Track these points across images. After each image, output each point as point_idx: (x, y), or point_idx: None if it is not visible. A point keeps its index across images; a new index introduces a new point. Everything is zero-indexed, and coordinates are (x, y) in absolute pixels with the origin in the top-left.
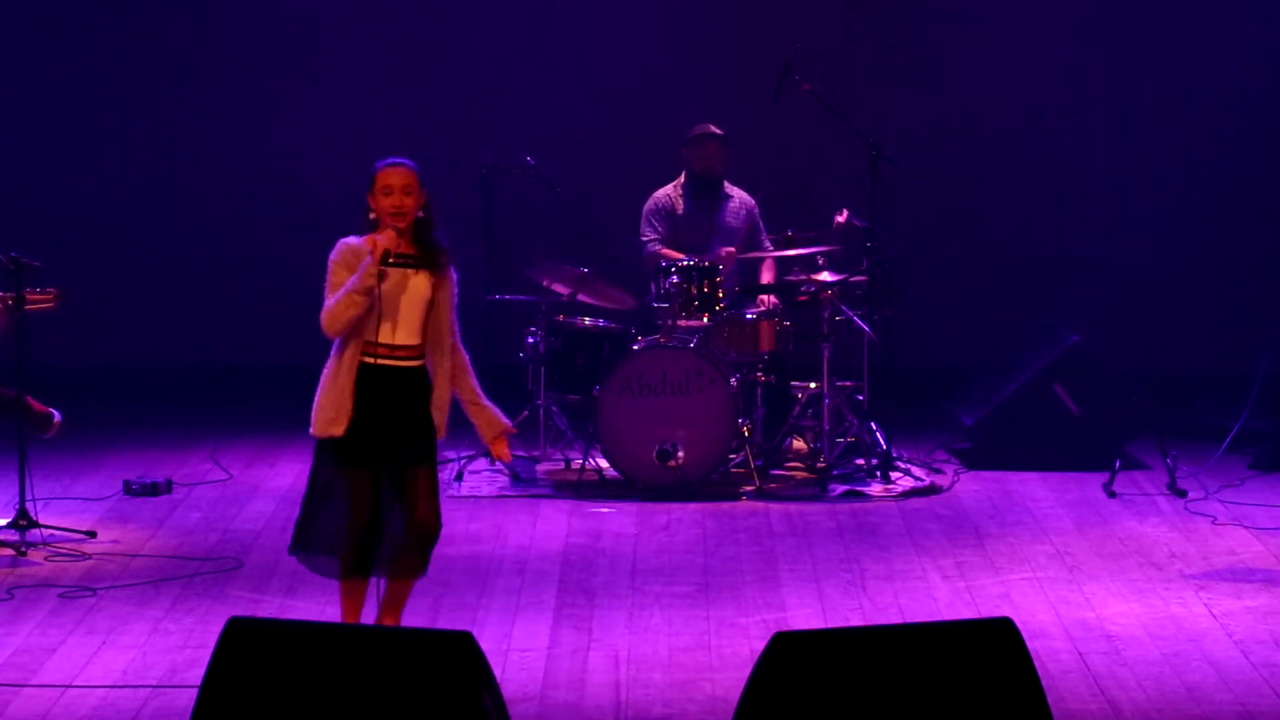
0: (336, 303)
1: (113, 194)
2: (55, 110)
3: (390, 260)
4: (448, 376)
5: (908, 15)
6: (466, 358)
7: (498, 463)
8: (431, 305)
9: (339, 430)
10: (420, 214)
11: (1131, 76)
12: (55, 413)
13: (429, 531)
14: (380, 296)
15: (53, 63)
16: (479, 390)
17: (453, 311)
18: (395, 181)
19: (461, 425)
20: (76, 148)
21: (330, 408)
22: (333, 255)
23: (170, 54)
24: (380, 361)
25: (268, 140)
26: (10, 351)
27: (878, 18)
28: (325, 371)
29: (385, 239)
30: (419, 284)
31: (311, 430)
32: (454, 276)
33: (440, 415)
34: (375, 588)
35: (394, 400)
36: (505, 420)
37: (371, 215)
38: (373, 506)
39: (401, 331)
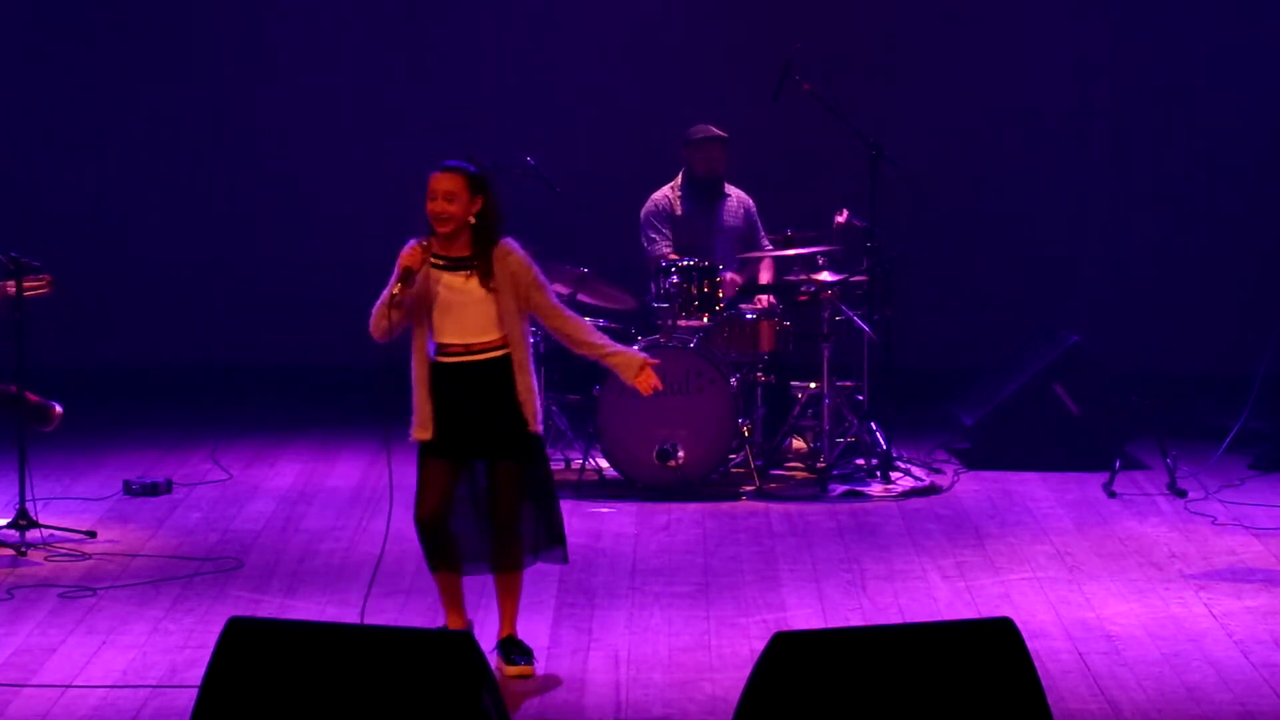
0: (375, 308)
1: (113, 194)
2: (55, 110)
3: (434, 264)
4: (526, 368)
5: (908, 15)
6: (575, 319)
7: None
8: (494, 302)
9: (426, 434)
10: (473, 220)
11: (1131, 76)
12: (55, 404)
13: (504, 528)
14: (438, 302)
15: (53, 63)
16: (603, 340)
17: (537, 293)
18: (438, 187)
19: None
20: (76, 148)
21: (417, 411)
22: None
23: (170, 54)
24: (453, 359)
25: (267, 140)
26: (10, 350)
27: (878, 18)
28: (412, 374)
29: (406, 257)
30: (474, 287)
31: (411, 433)
32: (521, 259)
33: (528, 406)
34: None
35: (472, 394)
36: (640, 354)
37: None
38: (445, 501)
39: (469, 330)
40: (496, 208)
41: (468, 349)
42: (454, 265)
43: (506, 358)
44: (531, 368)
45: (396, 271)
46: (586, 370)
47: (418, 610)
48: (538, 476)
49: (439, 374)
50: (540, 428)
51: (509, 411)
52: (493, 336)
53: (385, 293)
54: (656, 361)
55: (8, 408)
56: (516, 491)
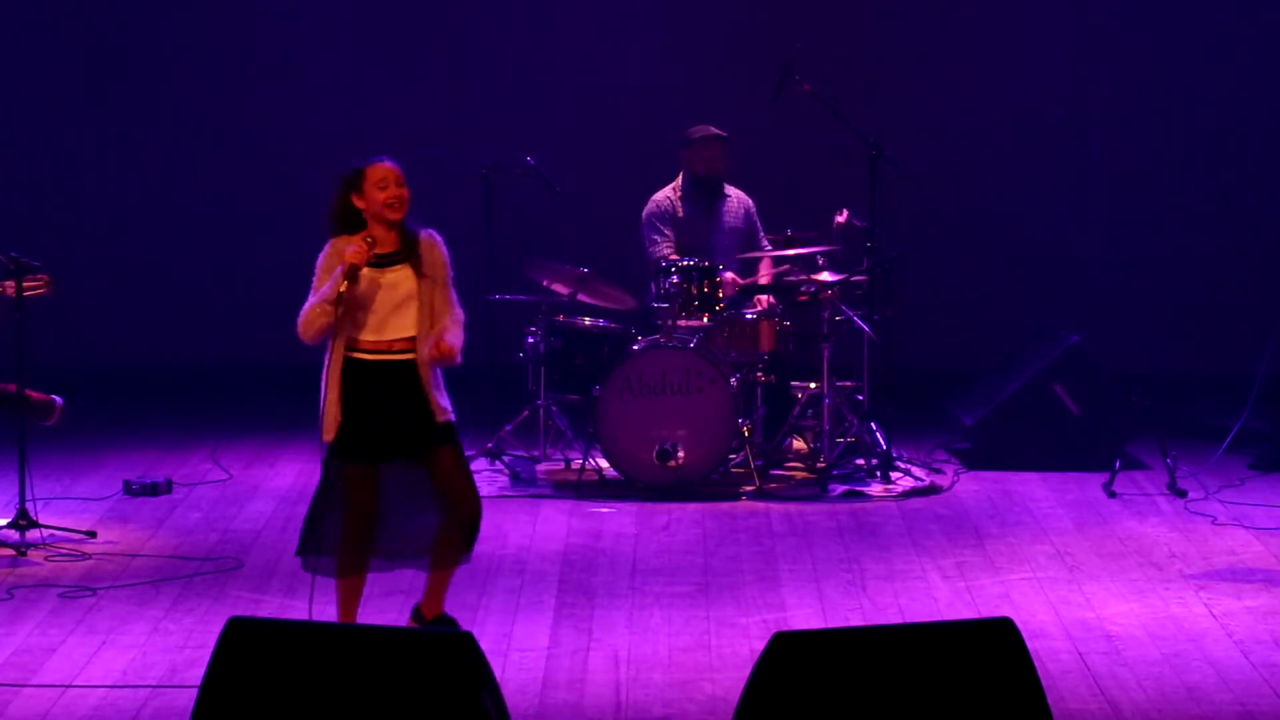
0: (309, 309)
1: (113, 194)
2: (55, 110)
3: (370, 262)
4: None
5: (908, 15)
6: (460, 314)
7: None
8: (418, 298)
9: (331, 435)
10: None
11: (1131, 76)
12: (56, 398)
13: (470, 512)
14: (364, 299)
15: (53, 63)
16: (448, 330)
17: (449, 290)
18: (390, 175)
19: (461, 426)
20: (76, 148)
21: (326, 412)
22: (320, 256)
23: (171, 55)
24: (368, 357)
25: (267, 140)
26: (10, 351)
27: (878, 18)
28: (322, 373)
29: (353, 253)
30: (402, 280)
31: (321, 433)
32: (444, 252)
33: (434, 401)
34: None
35: (388, 393)
36: (452, 341)
37: (360, 205)
38: (371, 501)
39: (389, 327)
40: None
41: (390, 345)
42: (384, 262)
43: (413, 362)
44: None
45: (343, 269)
46: (586, 370)
47: None
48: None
49: (352, 372)
50: (453, 417)
51: (424, 406)
52: (410, 334)
53: (329, 290)
54: (452, 351)
55: (8, 408)
56: (467, 470)
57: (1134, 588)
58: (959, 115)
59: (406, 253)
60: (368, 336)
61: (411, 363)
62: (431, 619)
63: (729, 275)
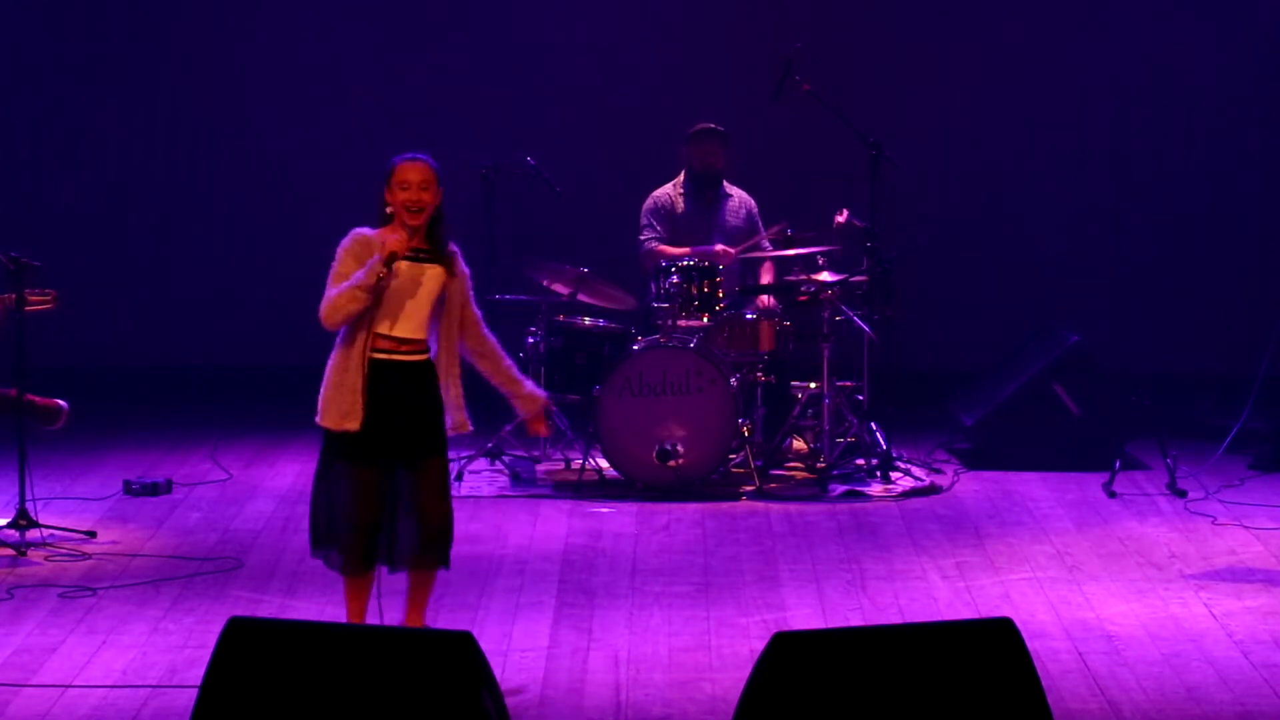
0: (339, 294)
1: (113, 194)
2: (55, 110)
3: (400, 257)
4: (456, 372)
5: (908, 15)
6: (495, 341)
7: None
8: (441, 301)
9: (354, 425)
10: (435, 211)
11: (1132, 77)
12: (62, 403)
13: (439, 528)
14: (386, 290)
15: (54, 63)
16: (514, 371)
17: (470, 304)
18: (413, 177)
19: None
20: (76, 148)
21: (343, 401)
22: (343, 243)
23: (170, 55)
24: (385, 356)
25: (267, 140)
26: (10, 352)
27: (878, 18)
28: (331, 362)
29: (396, 241)
30: (429, 279)
31: (320, 420)
32: (466, 270)
33: (457, 413)
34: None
35: (401, 396)
36: (542, 395)
37: (388, 210)
38: (379, 503)
39: (406, 325)
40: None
41: (399, 345)
42: (415, 257)
43: (429, 362)
44: (456, 382)
45: (382, 256)
46: (586, 370)
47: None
48: (446, 469)
49: (373, 369)
50: (469, 428)
51: (433, 412)
52: (425, 335)
53: (365, 276)
54: (553, 409)
55: (9, 411)
56: (447, 489)
57: (1134, 588)
58: (959, 115)
59: (437, 254)
60: (386, 331)
61: (423, 364)
62: None
63: (720, 246)
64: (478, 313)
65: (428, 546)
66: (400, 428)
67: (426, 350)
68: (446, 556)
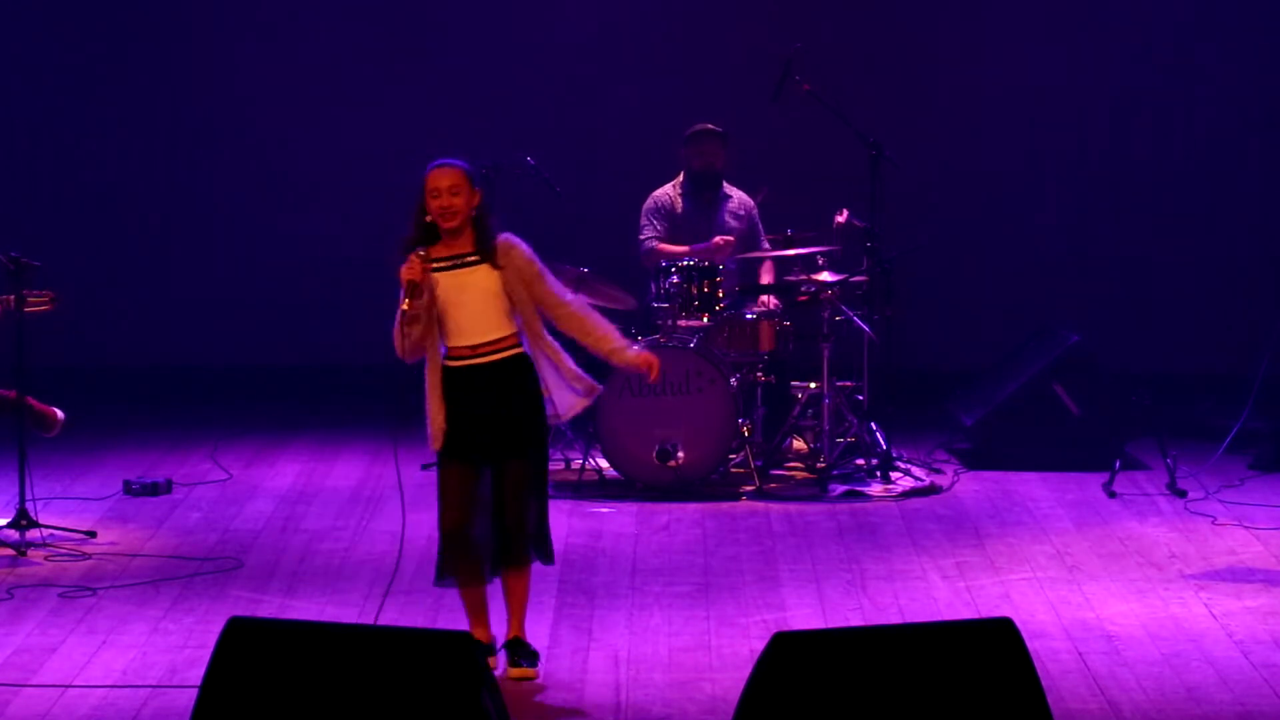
0: (394, 332)
1: (113, 194)
2: (56, 110)
3: (442, 265)
4: (550, 354)
5: (909, 15)
6: (581, 311)
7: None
8: (506, 294)
9: (438, 444)
10: (474, 211)
11: (1132, 76)
12: (59, 412)
13: (514, 525)
14: (444, 306)
15: (54, 63)
16: (612, 336)
17: (545, 281)
18: (441, 183)
19: None
20: (76, 148)
21: (430, 422)
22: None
23: (170, 55)
24: (464, 363)
25: (267, 140)
26: (10, 352)
27: (878, 17)
28: (425, 383)
29: (406, 270)
30: (482, 280)
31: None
32: (525, 253)
33: (564, 393)
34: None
35: (486, 396)
36: (645, 354)
37: (428, 219)
38: (467, 504)
39: (473, 332)
40: (489, 201)
41: (475, 350)
42: (460, 263)
43: (521, 356)
44: (561, 357)
45: (403, 289)
46: (586, 370)
47: (418, 610)
48: (539, 471)
49: (450, 379)
50: (562, 420)
51: (523, 410)
52: (506, 332)
53: (398, 314)
54: (657, 360)
55: (8, 413)
56: (525, 490)
57: (1134, 588)
58: (959, 115)
59: (482, 253)
60: (458, 342)
61: (511, 360)
62: (506, 641)
63: (722, 238)
64: (553, 289)
65: (509, 545)
66: (484, 430)
67: (513, 345)
68: (527, 554)
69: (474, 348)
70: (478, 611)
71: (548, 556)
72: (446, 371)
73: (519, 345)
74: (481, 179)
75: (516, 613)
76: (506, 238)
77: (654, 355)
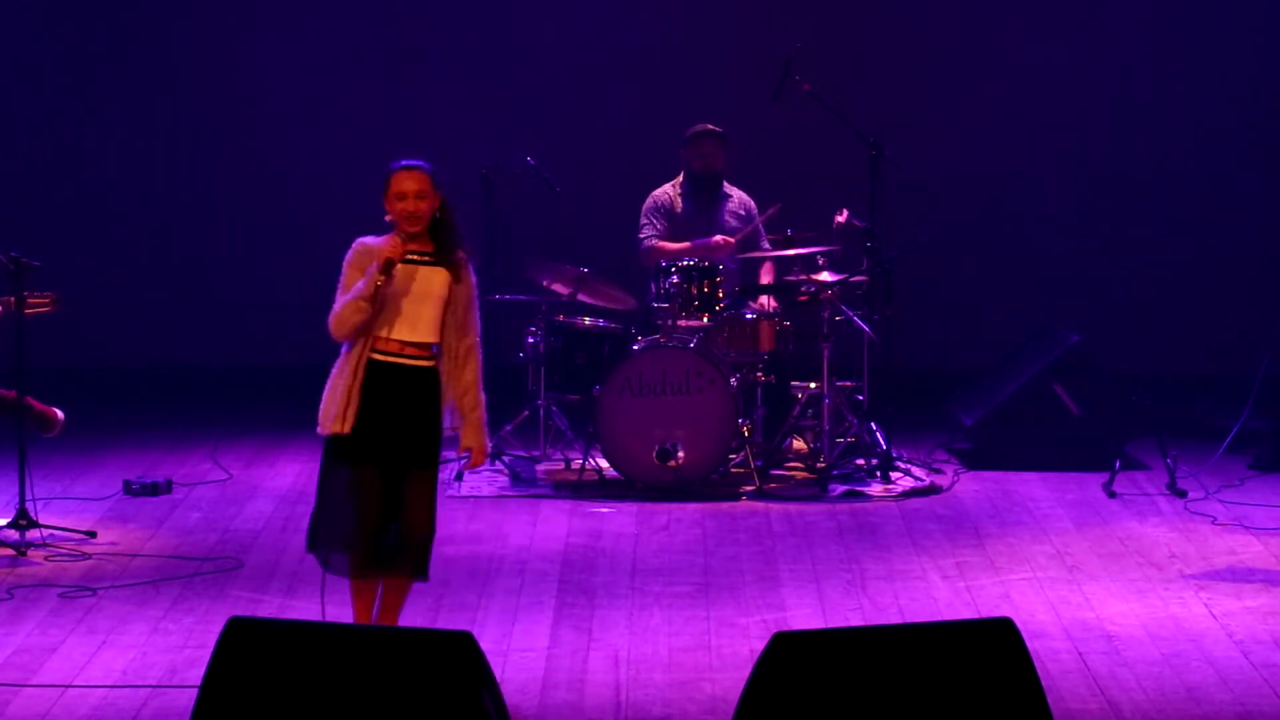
0: (343, 306)
1: (113, 194)
2: (55, 110)
3: (405, 258)
4: (459, 376)
5: (908, 15)
6: (479, 360)
7: (497, 462)
8: (448, 304)
9: (345, 428)
10: (438, 214)
11: (1132, 76)
12: (58, 411)
13: (420, 538)
14: (391, 294)
15: (54, 63)
16: (478, 399)
17: (474, 312)
18: (408, 187)
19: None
20: (76, 148)
21: (336, 404)
22: (347, 255)
23: (171, 55)
24: (389, 359)
25: (266, 140)
26: (10, 353)
27: (878, 17)
28: (334, 368)
29: (390, 248)
30: (435, 281)
31: (319, 428)
32: (473, 277)
33: (454, 416)
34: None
35: (401, 399)
36: (487, 444)
37: (388, 218)
38: (381, 504)
39: (406, 329)
40: (449, 203)
41: (403, 349)
42: (420, 260)
43: (434, 370)
44: (467, 379)
45: (379, 264)
46: (586, 370)
47: (417, 610)
48: (435, 487)
49: (372, 371)
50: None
51: (432, 422)
52: (433, 339)
53: (364, 286)
54: (483, 462)
55: (9, 413)
56: (429, 502)
57: (1134, 588)
58: (959, 115)
59: (444, 259)
60: (387, 334)
61: (426, 370)
62: None
63: (719, 237)
64: (475, 325)
65: (407, 556)
66: (395, 433)
67: (432, 357)
68: (425, 569)
69: (403, 344)
70: (370, 602)
71: (425, 573)
72: (370, 363)
73: (434, 360)
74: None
75: (394, 613)
76: (465, 257)
77: (484, 456)
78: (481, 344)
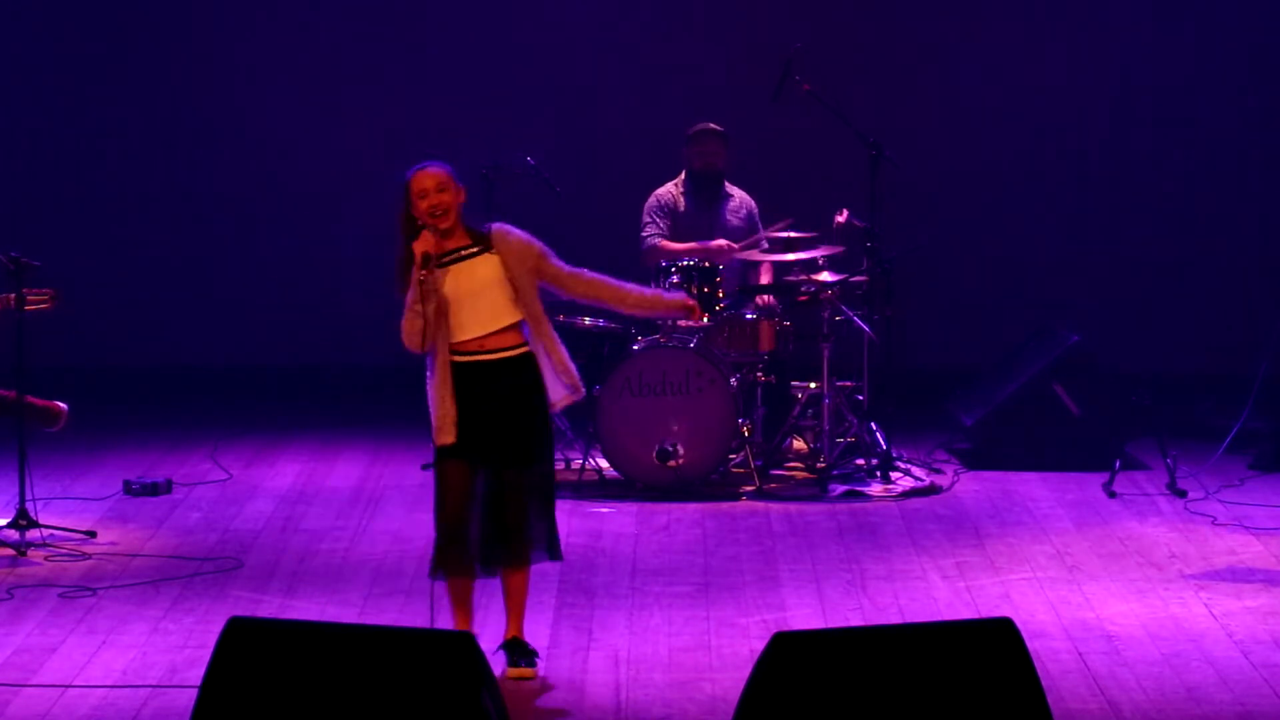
0: (403, 320)
1: (112, 194)
2: (56, 111)
3: (443, 260)
4: (547, 341)
5: (908, 15)
6: (596, 278)
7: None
8: (509, 281)
9: (450, 438)
10: (462, 209)
11: (1133, 76)
12: (61, 405)
13: (515, 527)
14: (446, 299)
15: (54, 63)
16: (635, 289)
17: (547, 263)
18: (428, 184)
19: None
20: (77, 148)
21: (438, 416)
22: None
23: (170, 55)
24: (470, 359)
25: (267, 140)
26: (10, 352)
27: (878, 17)
28: (427, 381)
29: (421, 245)
30: (484, 269)
31: (434, 439)
32: (522, 236)
33: (558, 382)
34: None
35: (497, 394)
36: (677, 296)
37: (418, 224)
38: (467, 503)
39: (480, 323)
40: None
41: (482, 344)
42: (459, 256)
43: (527, 355)
44: (557, 347)
45: (417, 266)
46: (586, 370)
47: (418, 610)
48: (544, 473)
49: (459, 374)
50: (558, 412)
51: (533, 413)
52: (511, 320)
53: (411, 293)
54: (695, 303)
55: (9, 414)
56: (527, 491)
57: (1134, 588)
58: (959, 115)
59: (479, 243)
60: (465, 336)
61: (517, 359)
62: (505, 641)
63: (722, 241)
64: (561, 266)
65: (505, 546)
66: (495, 432)
67: (523, 342)
68: (526, 555)
69: (481, 339)
70: (463, 602)
71: (557, 553)
72: (455, 366)
73: (524, 344)
74: (464, 178)
75: (515, 613)
76: (499, 225)
77: (695, 308)
78: (581, 271)
